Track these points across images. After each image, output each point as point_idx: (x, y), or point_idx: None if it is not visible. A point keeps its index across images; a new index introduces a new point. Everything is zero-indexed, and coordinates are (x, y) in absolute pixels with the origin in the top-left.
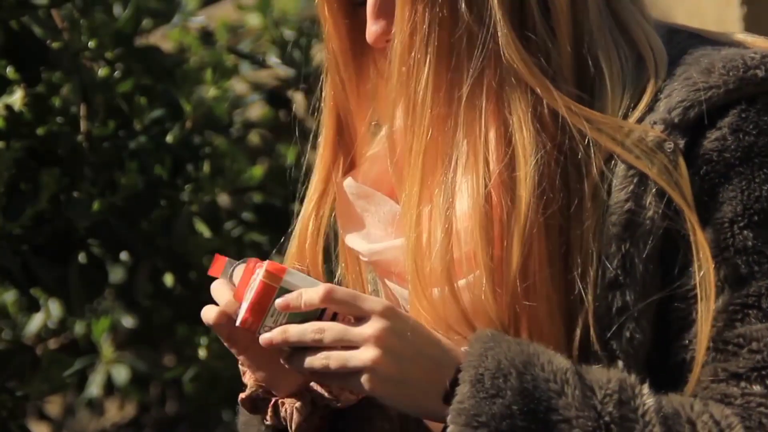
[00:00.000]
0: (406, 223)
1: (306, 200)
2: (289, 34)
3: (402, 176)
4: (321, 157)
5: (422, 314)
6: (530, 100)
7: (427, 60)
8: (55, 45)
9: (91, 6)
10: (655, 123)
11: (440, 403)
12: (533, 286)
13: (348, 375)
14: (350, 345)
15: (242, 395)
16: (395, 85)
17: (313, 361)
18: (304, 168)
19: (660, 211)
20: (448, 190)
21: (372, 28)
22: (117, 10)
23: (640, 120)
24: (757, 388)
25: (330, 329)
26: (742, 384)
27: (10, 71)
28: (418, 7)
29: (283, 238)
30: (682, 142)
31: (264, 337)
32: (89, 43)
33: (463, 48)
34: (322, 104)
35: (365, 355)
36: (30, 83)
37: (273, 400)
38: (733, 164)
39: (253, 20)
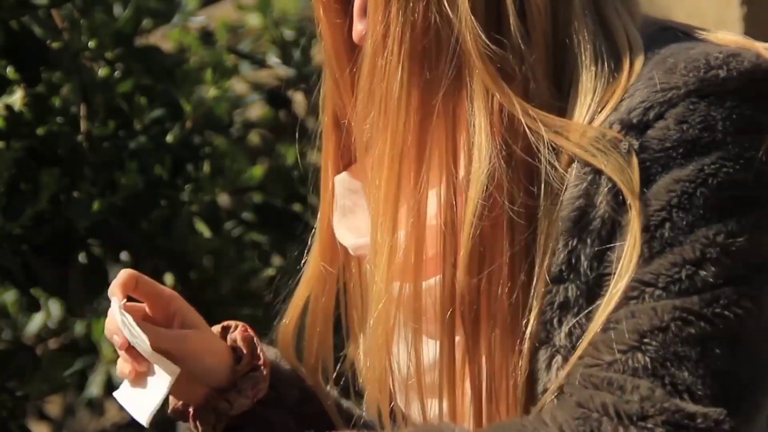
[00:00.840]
0: (377, 221)
1: (321, 198)
2: (289, 34)
3: (371, 175)
4: (323, 154)
5: (383, 305)
6: (490, 105)
7: (400, 63)
8: (55, 45)
9: (91, 6)
10: (612, 123)
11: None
12: (489, 285)
13: None
14: None
15: (170, 407)
16: (365, 85)
17: None
18: (303, 168)
19: (610, 208)
20: (419, 193)
21: (358, 27)
22: (117, 10)
23: (605, 120)
24: (624, 365)
25: None
26: (612, 358)
27: (10, 71)
28: (392, 9)
29: (284, 238)
30: (636, 143)
31: None
32: (89, 43)
33: (434, 52)
34: (320, 101)
35: None
36: (30, 83)
37: (190, 412)
38: (672, 156)
39: (253, 20)
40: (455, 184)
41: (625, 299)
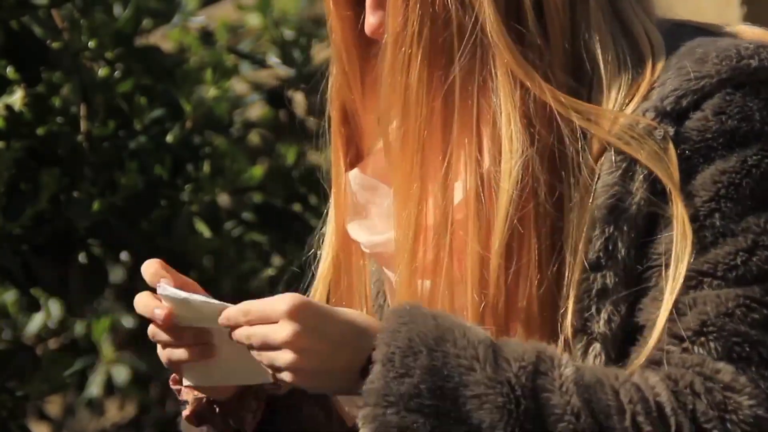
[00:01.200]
0: (401, 215)
1: (333, 194)
2: (289, 34)
3: (395, 169)
4: (332, 150)
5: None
6: (519, 95)
7: (421, 55)
8: (55, 45)
9: (91, 6)
10: (646, 111)
11: (359, 381)
12: (520, 276)
13: (278, 373)
14: (271, 346)
15: (186, 413)
16: (387, 78)
17: None
18: (303, 168)
19: (646, 196)
20: (444, 185)
21: (370, 20)
22: (117, 10)
23: (634, 111)
24: (696, 350)
25: (255, 335)
26: (684, 345)
27: (10, 71)
28: (410, 1)
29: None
30: (672, 130)
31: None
32: (89, 43)
33: (454, 43)
34: (327, 97)
35: (284, 357)
36: (30, 83)
37: (216, 409)
38: (713, 147)
39: (253, 20)
40: (481, 175)
41: (685, 288)
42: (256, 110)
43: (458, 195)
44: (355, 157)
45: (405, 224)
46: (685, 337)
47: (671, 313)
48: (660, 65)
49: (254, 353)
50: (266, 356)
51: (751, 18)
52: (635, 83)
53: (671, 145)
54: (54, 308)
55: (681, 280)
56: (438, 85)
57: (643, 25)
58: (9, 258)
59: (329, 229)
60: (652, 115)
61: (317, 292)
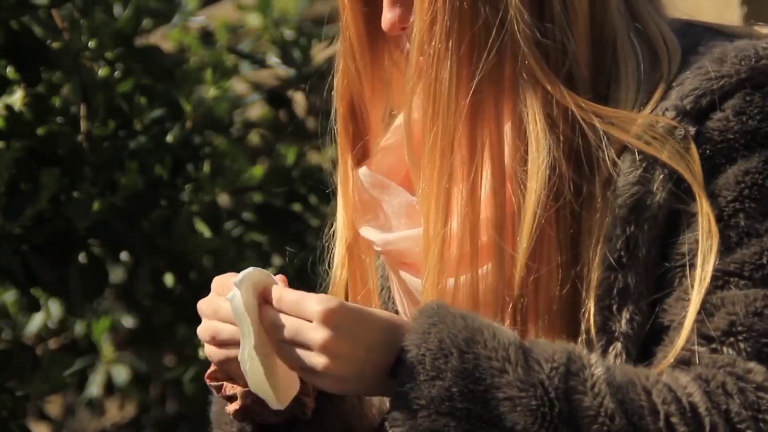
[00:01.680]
0: (429, 212)
1: (340, 191)
2: (289, 34)
3: (420, 165)
4: (339, 147)
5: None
6: (542, 96)
7: (449, 51)
8: (55, 45)
9: (91, 6)
10: (666, 110)
11: (388, 383)
12: (542, 275)
13: (305, 372)
14: (303, 344)
15: (234, 407)
16: (413, 74)
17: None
18: (303, 168)
19: (666, 195)
20: (472, 183)
21: (388, 15)
22: (117, 10)
23: (653, 111)
24: (726, 350)
25: (288, 326)
26: (713, 345)
27: (10, 71)
28: None
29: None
30: (693, 129)
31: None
32: (89, 43)
33: (482, 41)
34: (334, 92)
35: (318, 360)
36: (30, 83)
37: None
38: (735, 147)
39: (253, 20)
40: (507, 174)
41: (712, 288)
42: (256, 110)
43: (484, 193)
44: (362, 154)
45: (434, 220)
46: (715, 337)
47: (699, 313)
48: (676, 65)
49: (280, 345)
50: (294, 352)
51: (751, 18)
52: (653, 82)
53: (693, 145)
54: (54, 308)
55: (708, 280)
56: (466, 82)
57: (658, 25)
58: (9, 258)
59: (339, 225)
60: (672, 114)
61: (336, 289)
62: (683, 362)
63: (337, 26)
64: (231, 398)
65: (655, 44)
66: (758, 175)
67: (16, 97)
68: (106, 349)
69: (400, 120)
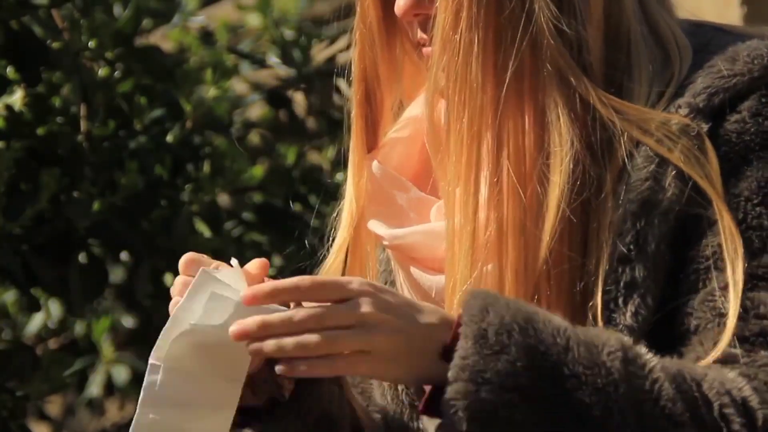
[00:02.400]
0: (456, 201)
1: (350, 179)
2: (289, 34)
3: (444, 155)
4: (353, 133)
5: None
6: (565, 89)
7: (476, 41)
8: (55, 45)
9: (91, 6)
10: (679, 107)
11: (438, 363)
12: (559, 267)
13: (342, 359)
14: (336, 326)
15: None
16: (438, 61)
17: (314, 341)
18: (303, 168)
19: (678, 192)
20: (498, 172)
21: (400, 2)
22: (117, 10)
23: (665, 109)
24: (762, 352)
25: (323, 314)
26: (747, 347)
27: (10, 71)
28: None
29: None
30: (706, 127)
31: (254, 348)
32: (89, 43)
33: (508, 31)
34: (352, 78)
35: (358, 338)
36: (30, 83)
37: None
38: (752, 148)
39: (253, 20)
40: (531, 166)
41: (742, 290)
42: (256, 110)
43: (508, 185)
44: (373, 142)
45: (464, 208)
46: (749, 338)
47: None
48: (687, 64)
49: (311, 338)
50: (331, 338)
51: (751, 18)
52: (664, 81)
53: (708, 144)
54: (54, 308)
55: (741, 285)
56: (492, 72)
57: (669, 26)
58: (9, 258)
59: (346, 209)
60: (685, 111)
61: (330, 273)
62: (722, 362)
63: (336, 26)
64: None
65: (666, 44)
66: None
67: (16, 97)
68: (106, 349)
69: (409, 113)
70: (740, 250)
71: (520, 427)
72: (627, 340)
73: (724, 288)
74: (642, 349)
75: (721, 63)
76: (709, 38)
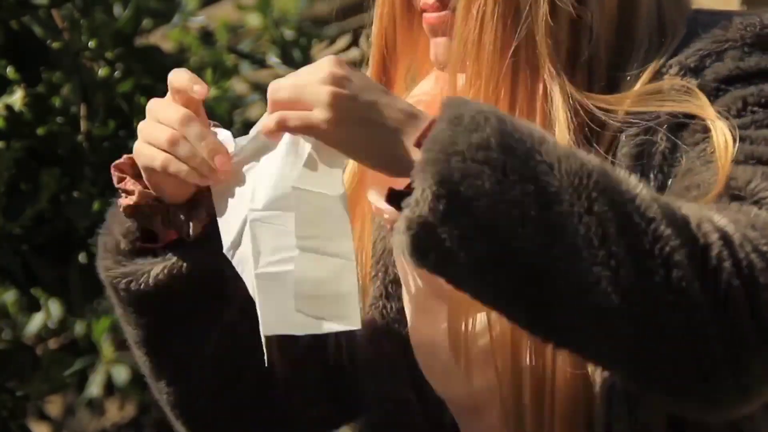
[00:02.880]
0: None
1: None
2: (289, 34)
3: None
4: None
5: None
6: (558, 78)
7: (494, 13)
8: (55, 45)
9: (91, 6)
10: (671, 66)
11: (410, 148)
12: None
13: (305, 119)
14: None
15: (127, 202)
16: (459, 33)
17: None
18: None
19: (670, 146)
20: None
21: None
22: (117, 10)
23: (656, 71)
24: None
25: (288, 85)
26: (740, 202)
27: (10, 71)
28: None
29: None
30: (694, 83)
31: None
32: (89, 43)
33: (521, 5)
34: (371, 39)
35: (323, 89)
36: (30, 83)
37: (166, 207)
38: (732, 78)
39: (253, 20)
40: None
41: (734, 163)
42: (256, 110)
43: None
44: None
45: None
46: (742, 196)
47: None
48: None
49: (286, 116)
50: (297, 87)
51: None
52: (655, 60)
53: (697, 92)
54: (54, 308)
55: (732, 152)
56: (508, 44)
57: (675, 23)
58: (9, 258)
59: (348, 170)
60: (675, 70)
61: None
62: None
63: (336, 26)
64: (128, 192)
65: (668, 31)
66: (758, 97)
67: (16, 97)
68: (106, 349)
69: (420, 89)
70: (731, 142)
71: (485, 196)
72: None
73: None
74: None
75: (715, 30)
76: (708, 15)
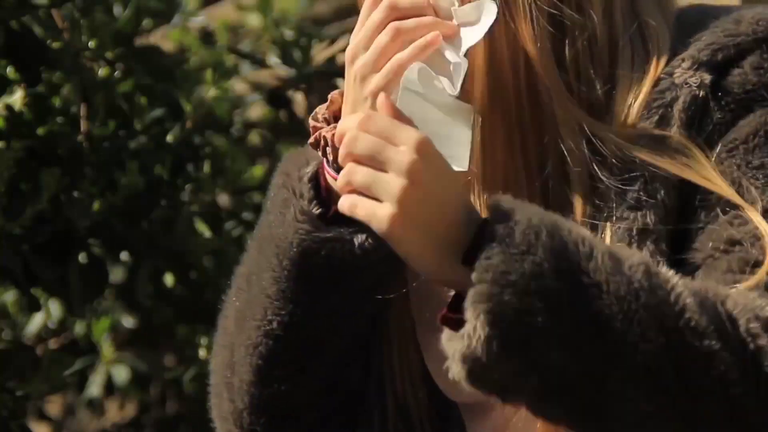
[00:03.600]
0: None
1: None
2: (289, 34)
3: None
4: None
5: None
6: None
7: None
8: (55, 45)
9: (91, 6)
10: (683, 60)
11: (457, 264)
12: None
13: (371, 204)
14: (381, 164)
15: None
16: None
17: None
18: None
19: (684, 139)
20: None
21: None
22: (117, 10)
23: (666, 65)
24: None
25: (373, 142)
26: (757, 270)
27: (10, 71)
28: None
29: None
30: (708, 78)
31: None
32: (89, 43)
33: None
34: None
35: (397, 182)
36: (30, 83)
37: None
38: (753, 98)
39: (253, 20)
40: None
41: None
42: (256, 110)
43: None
44: None
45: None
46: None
47: (729, 251)
48: (664, 56)
49: (355, 169)
50: (371, 174)
51: None
52: (648, 66)
53: (695, 151)
54: (54, 308)
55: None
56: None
57: (657, 28)
58: (9, 258)
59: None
60: (688, 64)
61: None
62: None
63: (336, 26)
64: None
65: (650, 43)
66: None
67: (16, 97)
68: (106, 349)
69: None
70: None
71: (539, 334)
72: (648, 257)
73: (738, 218)
74: (664, 267)
75: (726, 24)
76: (713, 9)
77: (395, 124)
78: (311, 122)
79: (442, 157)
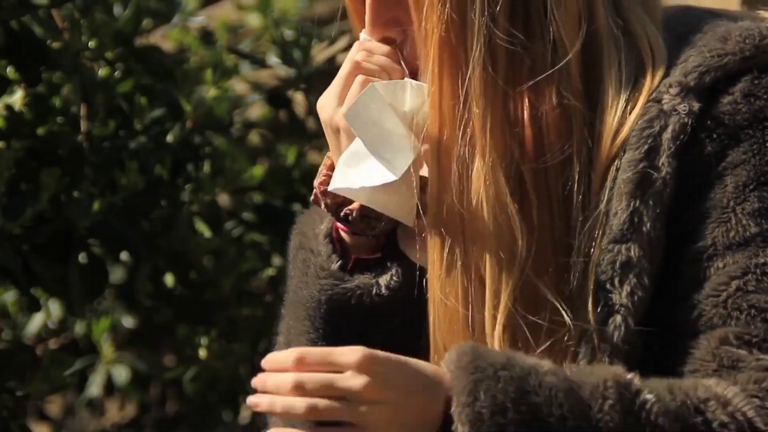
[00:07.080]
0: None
1: None
2: (289, 34)
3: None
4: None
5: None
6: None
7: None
8: (55, 45)
9: (91, 6)
10: (670, 86)
11: None
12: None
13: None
14: (336, 396)
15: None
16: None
17: (299, 406)
18: (303, 168)
19: (672, 172)
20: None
21: None
22: (117, 10)
23: (655, 90)
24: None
25: (320, 379)
26: (755, 351)
27: (10, 71)
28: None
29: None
30: (697, 106)
31: (251, 401)
32: (89, 43)
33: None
34: None
35: (355, 411)
36: (30, 83)
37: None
38: (743, 126)
39: (253, 20)
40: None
41: (740, 291)
42: (256, 110)
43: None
44: None
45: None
46: (756, 344)
47: (731, 316)
48: (660, 71)
49: (306, 403)
50: (333, 405)
51: None
52: (635, 91)
53: (693, 123)
54: (54, 308)
55: (722, 275)
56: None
57: (644, 27)
58: (9, 258)
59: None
60: (676, 91)
61: None
62: (728, 367)
63: (336, 26)
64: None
65: (641, 50)
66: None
67: (16, 97)
68: (106, 349)
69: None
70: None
71: None
72: (622, 378)
73: (730, 284)
74: (639, 386)
75: (713, 43)
76: (701, 19)
77: (327, 351)
78: (315, 183)
79: (387, 360)
